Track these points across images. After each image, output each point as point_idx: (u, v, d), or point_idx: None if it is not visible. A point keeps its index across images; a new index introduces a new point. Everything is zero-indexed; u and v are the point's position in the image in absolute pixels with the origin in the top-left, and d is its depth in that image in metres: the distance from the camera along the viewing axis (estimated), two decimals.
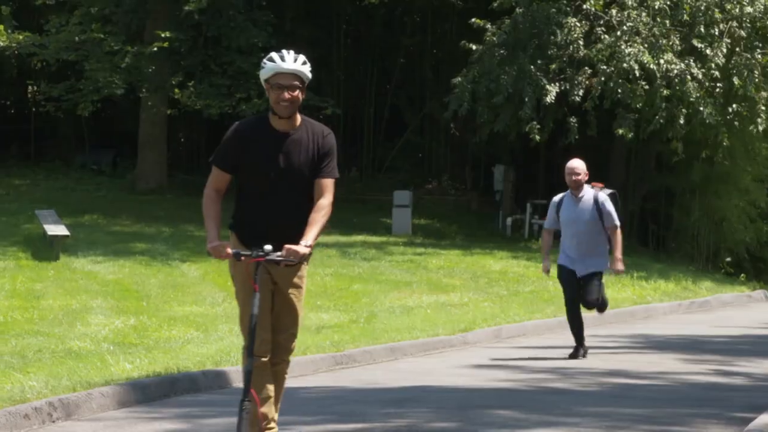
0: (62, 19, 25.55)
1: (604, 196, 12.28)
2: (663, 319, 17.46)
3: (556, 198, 12.48)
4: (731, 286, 23.01)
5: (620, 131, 22.80)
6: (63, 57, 25.51)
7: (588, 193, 12.32)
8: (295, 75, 6.40)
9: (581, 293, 12.17)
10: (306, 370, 10.92)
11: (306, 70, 6.45)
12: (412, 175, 31.14)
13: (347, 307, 15.24)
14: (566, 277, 12.33)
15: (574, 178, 12.29)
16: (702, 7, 22.84)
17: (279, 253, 6.26)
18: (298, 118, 6.55)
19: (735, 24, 23.33)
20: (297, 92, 6.39)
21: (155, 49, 24.67)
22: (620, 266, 12.17)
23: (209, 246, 6.39)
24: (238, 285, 6.65)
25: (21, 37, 25.17)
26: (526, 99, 22.71)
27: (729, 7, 23.22)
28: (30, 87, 32.08)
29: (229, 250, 6.35)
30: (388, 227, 25.19)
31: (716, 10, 22.99)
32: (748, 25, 23.61)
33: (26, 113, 32.08)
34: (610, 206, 12.24)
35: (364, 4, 28.61)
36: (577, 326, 12.33)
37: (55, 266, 16.99)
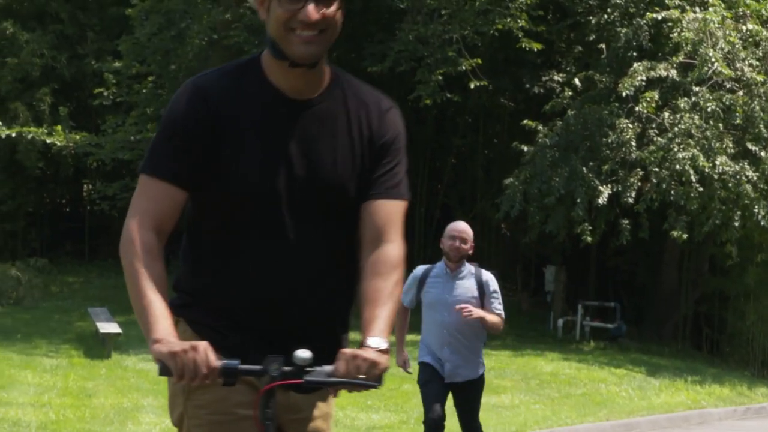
0: (118, 119, 25.96)
1: (489, 275, 9.00)
2: (718, 425, 17.19)
3: (420, 269, 9.08)
4: None
5: (674, 234, 22.69)
6: (119, 156, 25.86)
7: (468, 270, 8.92)
8: None
9: (460, 414, 9.38)
10: None
11: None
12: None
13: (397, 407, 15.14)
14: (430, 381, 9.08)
15: (458, 245, 8.72)
16: (756, 109, 22.85)
17: (327, 367, 3.11)
18: (327, 71, 3.36)
19: None
20: (333, 7, 3.18)
21: None
22: (474, 313, 8.70)
23: (160, 347, 3.11)
24: None
25: (78, 137, 25.57)
26: (578, 200, 22.70)
27: None
28: (85, 186, 32.51)
29: (213, 360, 3.05)
30: None
31: None
32: None
33: (81, 211, 32.46)
34: (496, 287, 9.05)
35: (416, 106, 28.85)
36: None
37: (107, 364, 17.05)
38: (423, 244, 31.50)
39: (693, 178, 22.14)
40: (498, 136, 32.25)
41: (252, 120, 3.27)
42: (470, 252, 8.89)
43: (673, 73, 22.52)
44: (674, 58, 22.66)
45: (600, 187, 22.63)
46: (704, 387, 19.94)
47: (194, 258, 3.47)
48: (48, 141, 25.78)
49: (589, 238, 23.09)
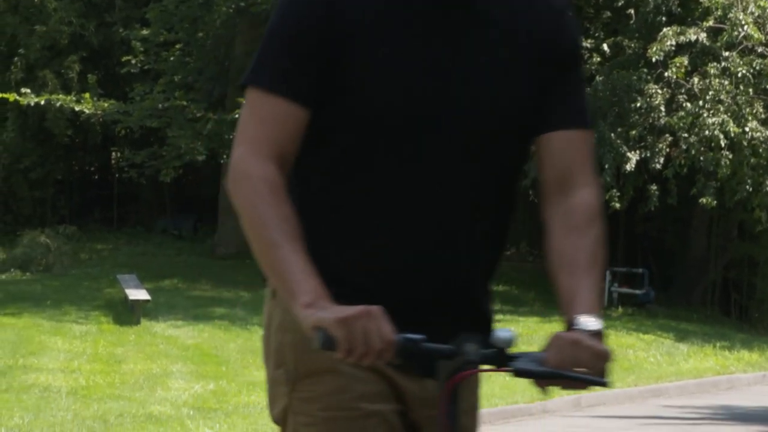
0: (146, 87, 25.99)
1: None
2: (747, 390, 17.16)
3: None
4: None
5: (703, 200, 22.58)
6: (146, 124, 25.91)
7: None
8: None
9: None
10: None
11: None
12: None
13: None
14: None
15: None
16: None
17: (537, 353, 2.49)
18: None
19: None
20: None
21: (236, 115, 24.96)
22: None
23: (320, 313, 2.30)
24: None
25: (106, 104, 25.62)
26: (606, 166, 22.61)
27: None
28: (114, 153, 32.61)
29: (390, 332, 2.30)
30: None
31: None
32: None
33: (109, 179, 32.58)
34: None
35: None
36: None
37: (136, 330, 17.15)
38: None
39: (722, 144, 22.02)
40: None
41: (390, 20, 2.48)
42: None
43: (703, 37, 22.35)
44: (704, 23, 22.48)
45: (628, 154, 22.54)
46: (733, 352, 19.90)
47: (301, 206, 2.49)
48: (76, 109, 25.84)
49: (617, 205, 22.99)
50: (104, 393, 12.04)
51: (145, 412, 10.95)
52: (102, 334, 16.68)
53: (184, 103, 25.52)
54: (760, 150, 22.32)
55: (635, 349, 18.95)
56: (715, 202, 22.72)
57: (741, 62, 22.23)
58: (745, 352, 20.08)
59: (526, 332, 19.84)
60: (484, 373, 2.48)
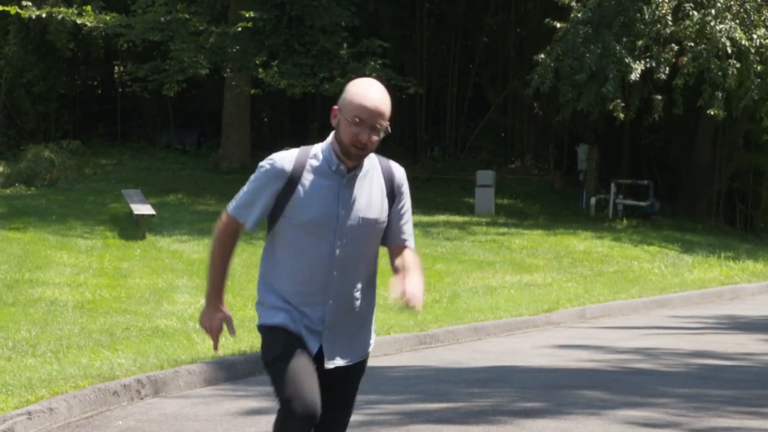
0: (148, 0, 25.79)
1: (402, 173, 4.72)
2: (751, 300, 17.23)
3: (284, 159, 4.58)
4: None
5: (712, 111, 22.44)
6: (149, 37, 25.75)
7: (374, 164, 4.69)
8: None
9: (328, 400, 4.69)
10: (389, 349, 10.94)
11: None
12: (494, 154, 31.01)
13: (430, 286, 15.24)
14: (292, 356, 4.57)
15: (370, 124, 4.50)
16: None
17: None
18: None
19: None
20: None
21: (239, 29, 24.81)
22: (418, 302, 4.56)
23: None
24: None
25: (108, 17, 25.44)
26: (610, 76, 22.48)
27: None
28: (116, 68, 32.45)
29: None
30: (471, 207, 25.11)
31: None
32: None
33: (112, 93, 32.46)
34: (408, 200, 4.78)
35: None
36: None
37: (142, 245, 17.20)
38: (455, 124, 31.38)
39: (729, 51, 21.85)
40: (531, 13, 31.87)
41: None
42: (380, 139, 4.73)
43: None
44: None
45: (633, 64, 22.39)
46: (738, 263, 19.95)
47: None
48: (78, 22, 25.66)
49: (621, 115, 22.91)
50: (110, 307, 12.09)
51: (152, 325, 11.01)
52: (107, 249, 16.72)
53: (186, 16, 25.32)
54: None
55: (640, 261, 18.99)
56: (724, 113, 22.60)
57: None
58: (749, 262, 20.14)
59: (530, 245, 19.89)
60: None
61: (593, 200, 26.14)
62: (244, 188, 4.70)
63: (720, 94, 22.47)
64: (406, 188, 4.72)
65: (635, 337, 12.33)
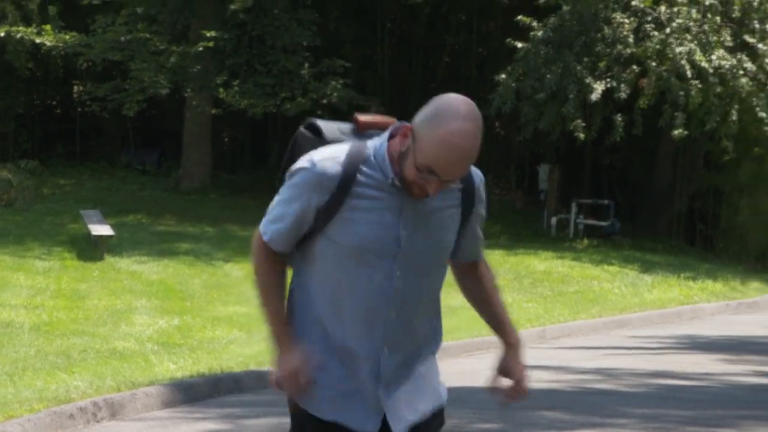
0: (108, 19, 25.68)
1: (481, 178, 4.10)
2: (710, 319, 17.29)
3: (327, 162, 3.52)
4: None
5: (675, 132, 22.51)
6: (109, 57, 25.63)
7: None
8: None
9: None
10: None
11: None
12: None
13: None
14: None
15: (445, 180, 3.61)
16: (754, 3, 22.63)
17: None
18: None
19: None
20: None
21: (200, 48, 24.74)
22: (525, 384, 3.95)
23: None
24: None
25: (67, 37, 25.31)
26: (571, 96, 22.56)
27: None
28: (76, 87, 32.27)
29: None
30: None
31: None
32: None
33: (72, 113, 32.26)
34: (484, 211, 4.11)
35: (409, 4, 28.57)
36: None
37: (100, 266, 17.05)
38: None
39: (689, 74, 21.97)
40: (492, 33, 31.96)
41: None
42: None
43: None
44: None
45: (593, 84, 22.49)
46: (697, 282, 20.03)
47: None
48: (37, 41, 25.53)
49: (582, 135, 22.98)
50: (67, 329, 11.97)
51: (109, 347, 10.91)
52: (65, 270, 16.56)
53: (147, 35, 25.23)
54: (727, 78, 22.31)
55: (600, 281, 19.03)
56: (687, 133, 22.72)
57: None
58: (709, 282, 20.22)
59: (491, 265, 19.85)
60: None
61: (554, 220, 26.19)
62: (277, 197, 3.58)
63: (681, 115, 22.59)
64: (484, 196, 3.90)
65: (595, 357, 12.33)
